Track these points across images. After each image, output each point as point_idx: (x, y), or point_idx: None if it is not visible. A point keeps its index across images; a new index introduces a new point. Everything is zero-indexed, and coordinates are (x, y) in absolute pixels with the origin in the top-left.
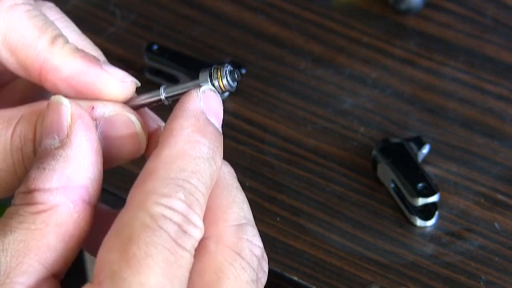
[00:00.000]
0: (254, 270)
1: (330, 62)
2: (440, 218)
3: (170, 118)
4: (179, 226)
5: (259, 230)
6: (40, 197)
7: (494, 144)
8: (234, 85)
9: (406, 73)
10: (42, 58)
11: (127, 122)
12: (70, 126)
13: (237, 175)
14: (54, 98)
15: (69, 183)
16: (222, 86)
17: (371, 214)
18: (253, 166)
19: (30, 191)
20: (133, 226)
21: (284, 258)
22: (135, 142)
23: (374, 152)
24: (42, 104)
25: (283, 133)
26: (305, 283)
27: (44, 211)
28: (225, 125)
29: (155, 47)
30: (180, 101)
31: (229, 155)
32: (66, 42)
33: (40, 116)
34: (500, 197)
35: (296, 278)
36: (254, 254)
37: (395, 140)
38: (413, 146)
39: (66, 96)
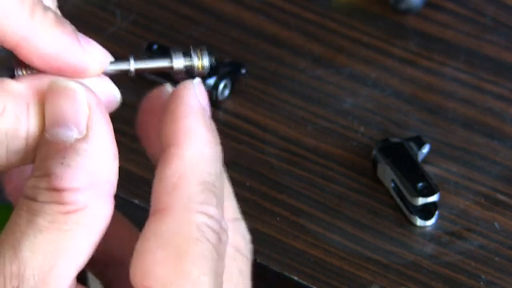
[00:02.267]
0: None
1: (330, 62)
2: (440, 217)
3: (173, 114)
4: (218, 234)
5: (259, 230)
6: (70, 197)
7: (494, 144)
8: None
9: (406, 73)
10: (21, 34)
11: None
12: (90, 117)
13: (237, 175)
14: (61, 81)
15: (97, 180)
16: (200, 67)
17: (371, 214)
18: (253, 166)
19: (58, 190)
20: (182, 239)
21: (284, 258)
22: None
23: (374, 152)
24: (35, 83)
25: (283, 133)
26: (305, 283)
27: (75, 211)
28: (225, 125)
29: (155, 47)
30: (178, 95)
31: (229, 155)
32: (45, 9)
33: (36, 99)
34: (500, 197)
35: (296, 278)
36: (249, 250)
37: (395, 140)
38: (413, 145)
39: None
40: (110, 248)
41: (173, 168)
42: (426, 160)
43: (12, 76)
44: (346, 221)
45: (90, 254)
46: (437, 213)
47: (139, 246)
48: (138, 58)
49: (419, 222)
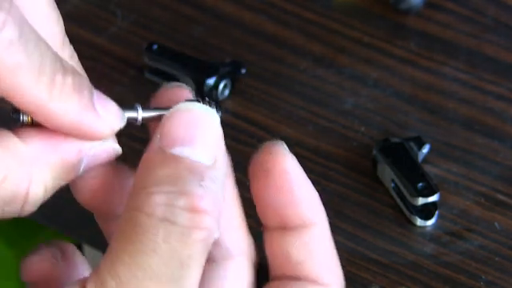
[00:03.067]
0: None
1: (331, 62)
2: (440, 217)
3: (293, 193)
4: None
5: (259, 229)
6: (208, 221)
7: (494, 144)
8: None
9: (407, 73)
10: (37, 105)
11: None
12: (219, 146)
13: (237, 175)
14: (200, 107)
15: (220, 209)
16: None
17: (371, 214)
18: None
19: (198, 211)
20: None
21: None
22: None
23: (374, 152)
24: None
25: (284, 133)
26: None
27: (209, 239)
28: (225, 125)
29: (155, 47)
30: (283, 166)
31: (229, 155)
32: (64, 73)
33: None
34: (500, 197)
35: None
36: None
37: (395, 140)
38: (413, 145)
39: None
40: (118, 201)
41: (327, 245)
42: (426, 160)
43: (16, 118)
44: (346, 221)
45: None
46: (437, 213)
47: None
48: (144, 107)
49: (419, 222)
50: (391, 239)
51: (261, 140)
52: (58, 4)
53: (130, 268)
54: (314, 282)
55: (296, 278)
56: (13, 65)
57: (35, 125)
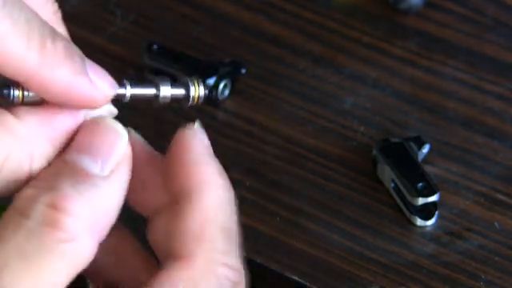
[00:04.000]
0: None
1: (330, 62)
2: (440, 217)
3: (184, 163)
4: (235, 285)
5: (259, 230)
6: (68, 222)
7: (494, 144)
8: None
9: (406, 72)
10: (29, 72)
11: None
12: (119, 163)
13: (237, 175)
14: (114, 124)
15: (97, 221)
16: (197, 98)
17: (371, 214)
18: (253, 166)
19: (59, 209)
20: None
21: (284, 258)
22: None
23: (374, 152)
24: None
25: (283, 132)
26: (305, 283)
27: (67, 242)
28: (225, 125)
29: (155, 47)
30: (184, 142)
31: (229, 155)
32: (54, 38)
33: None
34: (500, 197)
35: (296, 278)
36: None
37: (395, 140)
38: (413, 145)
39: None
40: (121, 269)
41: (196, 217)
42: (426, 160)
43: (7, 94)
44: (345, 221)
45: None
46: (437, 213)
47: None
48: (134, 83)
49: (419, 221)
50: (391, 239)
51: (261, 140)
52: (57, 4)
53: None
54: (176, 255)
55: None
56: (0, 33)
57: (26, 103)
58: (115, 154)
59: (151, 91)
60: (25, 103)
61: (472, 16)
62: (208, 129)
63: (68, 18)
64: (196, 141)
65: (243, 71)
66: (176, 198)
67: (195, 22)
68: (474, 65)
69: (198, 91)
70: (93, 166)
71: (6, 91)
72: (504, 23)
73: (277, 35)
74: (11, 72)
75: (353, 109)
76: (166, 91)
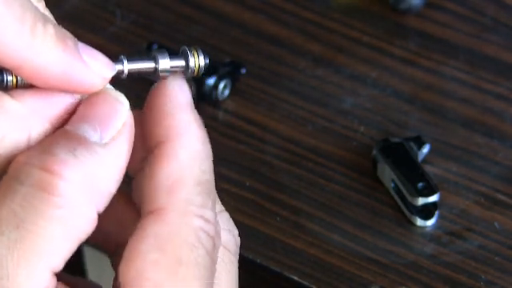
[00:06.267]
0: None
1: (330, 62)
2: (440, 217)
3: (163, 111)
4: (213, 239)
5: (259, 230)
6: (61, 186)
7: (494, 144)
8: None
9: (406, 72)
10: (22, 56)
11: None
12: (120, 130)
13: (237, 175)
14: (114, 92)
15: (94, 187)
16: (197, 69)
17: (371, 214)
18: (253, 166)
19: (52, 172)
20: (178, 244)
21: (284, 258)
22: None
23: (374, 152)
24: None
25: (283, 132)
26: (305, 283)
27: (62, 207)
28: (225, 125)
29: (155, 47)
30: (164, 91)
31: (229, 155)
32: (45, 23)
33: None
34: (500, 197)
35: (296, 278)
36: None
37: (395, 140)
38: (413, 145)
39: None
40: (124, 230)
41: (170, 168)
42: (426, 160)
43: (1, 80)
44: (345, 220)
45: (64, 258)
46: (437, 213)
47: (133, 245)
48: (130, 58)
49: (419, 221)
50: (391, 239)
51: (261, 140)
52: (57, 4)
53: None
54: (149, 210)
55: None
56: None
57: (20, 88)
58: (115, 121)
59: (150, 65)
60: (18, 88)
61: (472, 16)
62: (208, 129)
63: (68, 18)
64: (178, 89)
65: (243, 71)
66: (152, 150)
67: (195, 22)
68: (473, 65)
69: (198, 61)
70: (92, 133)
71: None
72: (503, 23)
73: (277, 35)
74: (3, 57)
75: (353, 109)
76: (165, 64)
